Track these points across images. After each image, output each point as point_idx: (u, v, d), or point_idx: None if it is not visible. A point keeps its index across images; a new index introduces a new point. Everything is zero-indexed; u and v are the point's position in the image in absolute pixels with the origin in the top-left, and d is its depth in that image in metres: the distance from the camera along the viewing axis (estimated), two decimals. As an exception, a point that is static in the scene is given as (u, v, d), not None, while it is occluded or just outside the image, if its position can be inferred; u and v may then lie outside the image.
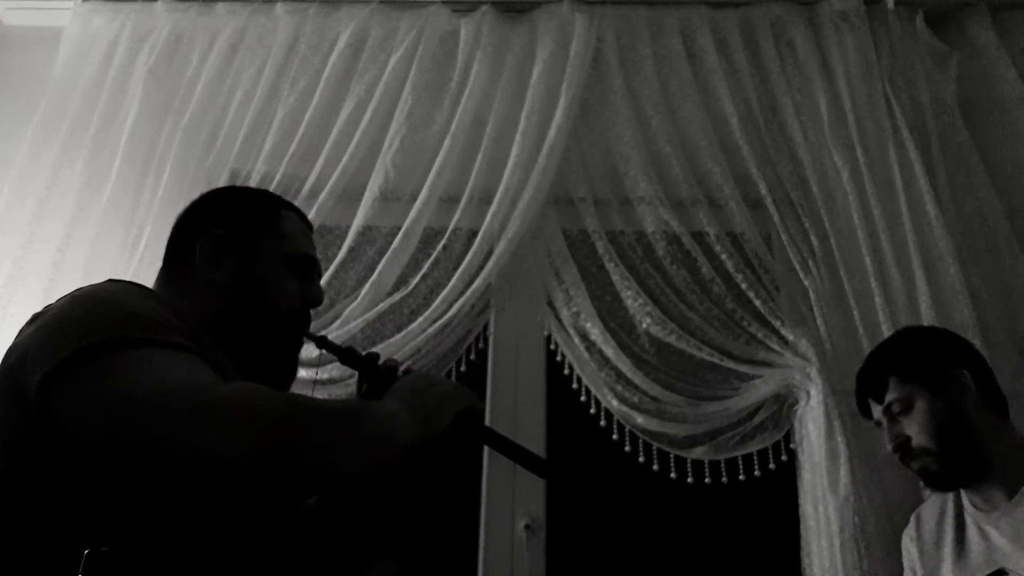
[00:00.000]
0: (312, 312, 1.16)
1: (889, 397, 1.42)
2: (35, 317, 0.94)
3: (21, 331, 0.92)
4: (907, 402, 1.40)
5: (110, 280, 1.03)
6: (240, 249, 1.08)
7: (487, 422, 1.91)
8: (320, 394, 1.80)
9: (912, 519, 1.53)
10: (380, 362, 1.16)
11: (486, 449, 1.85)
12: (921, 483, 1.46)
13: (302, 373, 1.71)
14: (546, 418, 1.93)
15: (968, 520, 1.41)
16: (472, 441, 1.09)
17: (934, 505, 1.50)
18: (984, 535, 1.37)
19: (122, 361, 0.83)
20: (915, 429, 1.39)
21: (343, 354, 1.17)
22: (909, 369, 1.43)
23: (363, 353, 1.18)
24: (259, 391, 0.85)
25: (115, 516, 0.81)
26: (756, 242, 1.94)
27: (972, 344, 1.55)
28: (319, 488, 1.00)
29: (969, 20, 2.20)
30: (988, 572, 1.33)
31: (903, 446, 1.40)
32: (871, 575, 1.59)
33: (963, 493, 1.44)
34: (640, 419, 1.84)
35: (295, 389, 1.18)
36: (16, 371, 0.86)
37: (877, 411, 1.46)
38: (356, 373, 1.21)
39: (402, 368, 1.15)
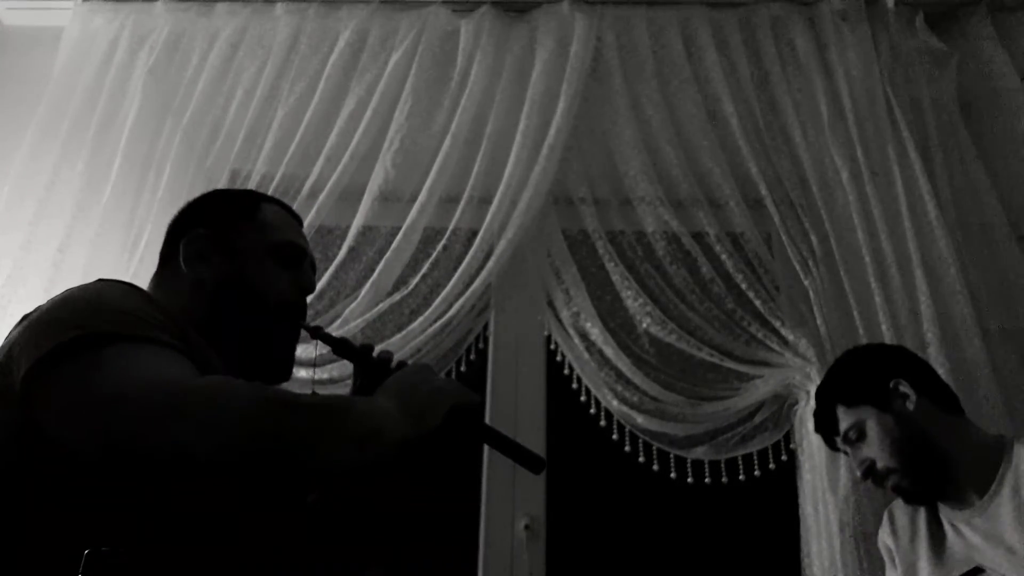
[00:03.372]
0: (310, 308, 1.16)
1: (842, 427, 1.43)
2: (25, 317, 0.94)
3: (12, 331, 0.92)
4: (859, 427, 1.41)
5: (99, 280, 1.03)
6: (224, 245, 1.09)
7: (486, 422, 1.91)
8: (320, 393, 1.80)
9: (885, 517, 1.53)
10: (374, 354, 1.15)
11: (487, 449, 1.86)
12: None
13: (301, 373, 1.71)
14: (546, 418, 1.93)
15: (943, 518, 1.41)
16: (467, 437, 1.08)
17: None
18: (959, 533, 1.37)
19: (99, 358, 0.82)
20: (875, 451, 1.39)
21: (337, 344, 1.17)
22: (849, 394, 1.43)
23: (357, 344, 1.17)
24: (236, 385, 0.83)
25: (112, 516, 0.81)
26: (756, 242, 1.94)
27: (904, 348, 1.56)
28: (309, 483, 0.99)
29: (969, 20, 2.20)
30: (966, 570, 1.33)
31: (870, 470, 1.40)
32: (871, 575, 1.59)
33: None
34: (640, 419, 1.84)
35: (294, 389, 1.17)
36: (4, 370, 0.86)
37: (838, 443, 1.47)
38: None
39: (396, 360, 1.14)
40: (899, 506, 1.50)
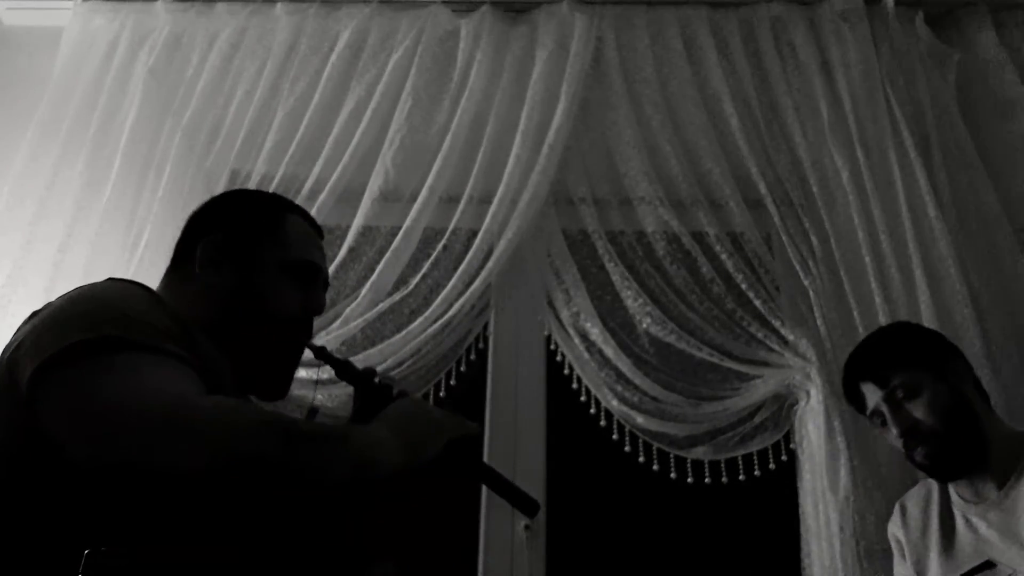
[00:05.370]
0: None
1: (894, 382, 1.42)
2: (33, 314, 0.94)
3: (19, 328, 0.92)
4: (913, 386, 1.41)
5: (111, 279, 1.02)
6: (239, 254, 1.08)
7: (486, 422, 1.91)
8: (321, 394, 1.80)
9: (896, 509, 1.53)
10: (376, 379, 1.16)
11: (487, 449, 1.86)
12: (922, 474, 1.47)
13: (302, 373, 1.71)
14: (546, 418, 1.93)
15: (956, 512, 1.42)
16: (463, 472, 1.09)
17: (918, 495, 1.50)
18: (972, 527, 1.38)
19: (103, 365, 0.82)
20: (922, 412, 1.39)
21: (340, 367, 1.17)
22: (913, 355, 1.45)
23: (360, 368, 1.17)
24: (237, 406, 0.83)
25: (113, 516, 0.81)
26: (756, 242, 1.94)
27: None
28: (305, 503, 0.99)
29: (969, 20, 2.20)
30: (976, 563, 1.34)
31: (912, 429, 1.39)
32: (871, 575, 1.59)
33: (950, 485, 1.45)
34: (640, 419, 1.84)
35: (297, 388, 1.17)
36: (12, 368, 0.86)
37: (875, 399, 1.44)
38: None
39: (397, 389, 1.15)
40: (911, 498, 1.51)
